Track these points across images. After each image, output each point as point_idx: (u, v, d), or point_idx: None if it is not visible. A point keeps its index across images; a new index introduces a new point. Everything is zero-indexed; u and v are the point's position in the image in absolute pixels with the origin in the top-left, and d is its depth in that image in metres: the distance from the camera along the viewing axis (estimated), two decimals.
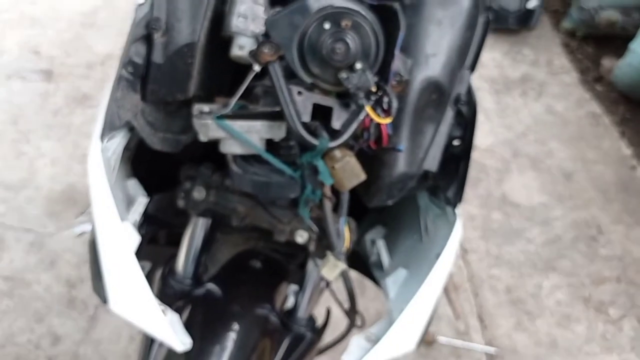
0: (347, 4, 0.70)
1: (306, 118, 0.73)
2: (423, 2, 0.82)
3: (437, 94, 0.85)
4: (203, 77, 0.85)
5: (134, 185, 0.96)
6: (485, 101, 2.64)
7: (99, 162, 0.78)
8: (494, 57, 2.90)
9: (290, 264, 1.21)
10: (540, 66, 2.90)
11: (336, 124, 0.74)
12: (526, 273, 1.99)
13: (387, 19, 0.77)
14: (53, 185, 2.11)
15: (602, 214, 2.21)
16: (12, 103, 2.40)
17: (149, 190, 1.03)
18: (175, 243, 1.06)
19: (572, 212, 2.21)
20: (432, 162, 0.90)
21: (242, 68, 0.78)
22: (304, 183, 0.75)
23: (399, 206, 1.02)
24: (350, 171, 0.75)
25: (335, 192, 0.81)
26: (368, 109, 0.72)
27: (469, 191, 2.18)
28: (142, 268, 1.19)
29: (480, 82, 2.75)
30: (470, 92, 0.90)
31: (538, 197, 2.26)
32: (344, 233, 0.80)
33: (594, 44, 3.02)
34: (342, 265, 0.78)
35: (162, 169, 0.99)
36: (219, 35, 0.81)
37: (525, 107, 2.66)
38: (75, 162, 2.18)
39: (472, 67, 0.88)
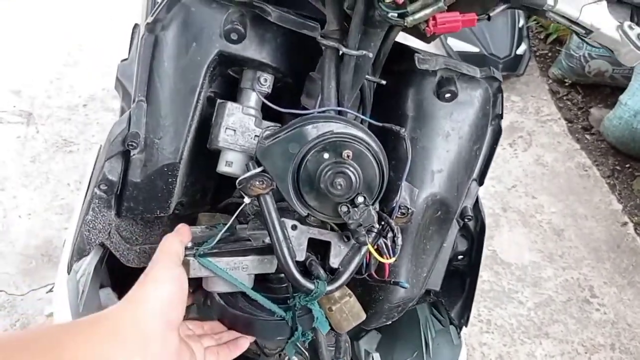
0: (349, 129, 0.63)
1: (300, 256, 0.65)
2: (430, 114, 0.75)
3: (442, 211, 0.78)
4: (186, 185, 0.77)
5: (107, 295, 0.87)
6: None
7: (65, 295, 0.69)
8: None
9: None
10: (529, 114, 2.87)
11: (334, 261, 0.66)
12: (518, 340, 1.92)
13: (387, 136, 0.70)
14: (28, 239, 2.00)
15: (594, 274, 2.16)
16: None
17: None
18: None
19: (563, 272, 2.15)
20: (435, 281, 0.83)
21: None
22: (295, 324, 0.67)
23: None
24: (349, 312, 0.67)
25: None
26: (371, 248, 0.64)
27: None
28: None
29: None
30: (477, 205, 0.83)
31: (529, 255, 2.20)
32: None
33: (582, 91, 3.00)
34: None
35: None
36: (204, 145, 0.73)
37: (515, 157, 2.62)
38: (53, 214, 2.07)
39: (481, 180, 0.82)
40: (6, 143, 2.32)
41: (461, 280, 0.85)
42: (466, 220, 0.81)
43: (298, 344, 0.76)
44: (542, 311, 2.01)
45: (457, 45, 3.08)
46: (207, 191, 0.85)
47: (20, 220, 2.03)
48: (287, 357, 0.79)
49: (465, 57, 3.04)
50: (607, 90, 2.96)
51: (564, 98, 3.01)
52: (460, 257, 0.85)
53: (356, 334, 1.02)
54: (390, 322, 0.82)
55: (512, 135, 2.74)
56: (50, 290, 1.62)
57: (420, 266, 0.79)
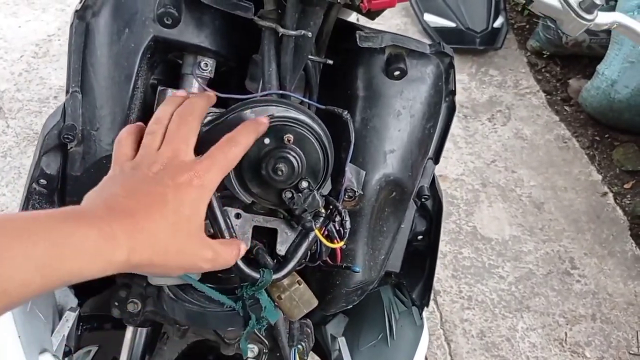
0: (289, 112, 0.61)
1: (245, 245, 0.63)
2: (379, 93, 0.73)
3: (397, 191, 0.76)
4: None
5: (62, 291, 0.86)
6: (453, 127, 2.57)
7: None
8: (461, 79, 2.84)
9: None
10: (508, 88, 2.85)
11: (281, 249, 0.65)
12: (500, 315, 1.92)
13: (335, 118, 0.68)
14: None
15: (574, 245, 2.16)
16: None
17: (84, 289, 0.92)
18: (123, 326, 0.95)
19: (544, 245, 2.15)
20: (394, 263, 0.81)
21: None
22: (247, 314, 0.66)
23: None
24: (299, 299, 0.66)
25: None
26: (317, 232, 0.62)
27: None
28: (88, 352, 1.09)
29: None
30: (434, 184, 0.81)
31: (509, 229, 2.20)
32: None
33: (560, 63, 2.98)
34: None
35: None
36: None
37: (494, 132, 2.61)
38: None
39: (436, 158, 0.80)
40: None
41: (421, 260, 0.84)
42: (423, 199, 0.79)
43: (256, 331, 0.75)
44: (522, 285, 2.02)
45: (434, 20, 3.05)
46: None
47: None
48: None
49: (442, 32, 3.02)
50: (585, 60, 2.95)
51: (543, 70, 2.99)
52: (419, 237, 0.83)
53: (323, 318, 1.01)
54: (351, 306, 0.81)
55: (490, 110, 2.72)
56: None
57: (378, 249, 0.77)
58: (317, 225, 0.62)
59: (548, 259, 2.11)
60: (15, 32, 2.78)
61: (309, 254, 0.68)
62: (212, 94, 0.63)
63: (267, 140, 0.60)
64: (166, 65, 0.74)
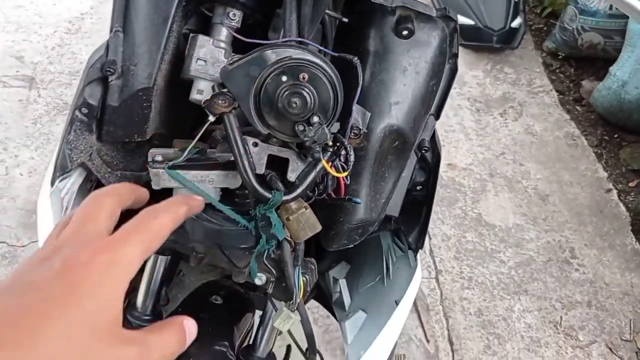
0: (305, 55, 0.69)
1: (260, 170, 0.72)
2: (388, 50, 0.82)
3: (399, 141, 0.84)
4: (164, 116, 0.84)
5: None
6: (465, 120, 2.65)
7: (48, 206, 0.76)
8: (477, 75, 2.91)
9: (255, 293, 1.20)
10: (521, 86, 2.92)
11: (292, 176, 0.73)
12: (498, 296, 1.99)
13: (347, 68, 0.76)
14: (29, 195, 2.08)
15: (575, 236, 2.22)
16: None
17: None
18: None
19: (546, 234, 2.22)
20: (394, 208, 0.89)
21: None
22: (259, 233, 0.74)
23: (362, 244, 1.01)
24: (305, 223, 0.74)
25: None
26: (324, 162, 0.71)
27: (445, 211, 2.19)
28: None
29: (462, 100, 2.75)
30: (434, 139, 0.89)
31: (513, 218, 2.27)
32: (300, 283, 0.79)
33: (575, 64, 3.04)
34: (296, 317, 0.77)
35: None
36: (179, 76, 0.79)
37: (505, 126, 2.67)
38: None
39: (437, 114, 0.88)
40: (9, 106, 2.40)
41: (419, 208, 0.92)
42: (423, 151, 0.87)
43: (265, 261, 0.84)
44: (522, 270, 2.09)
45: None
46: (185, 123, 0.92)
47: (22, 177, 2.11)
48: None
49: (461, 29, 3.07)
50: (600, 63, 3.00)
51: (557, 71, 3.05)
52: (418, 187, 0.91)
53: (328, 266, 1.10)
54: (352, 245, 0.89)
55: (503, 105, 2.79)
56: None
57: (379, 192, 0.85)
58: (325, 158, 0.71)
59: (549, 247, 2.17)
60: (50, 9, 2.90)
61: (316, 189, 0.77)
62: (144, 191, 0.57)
63: (284, 78, 0.69)
64: (198, 17, 0.83)
